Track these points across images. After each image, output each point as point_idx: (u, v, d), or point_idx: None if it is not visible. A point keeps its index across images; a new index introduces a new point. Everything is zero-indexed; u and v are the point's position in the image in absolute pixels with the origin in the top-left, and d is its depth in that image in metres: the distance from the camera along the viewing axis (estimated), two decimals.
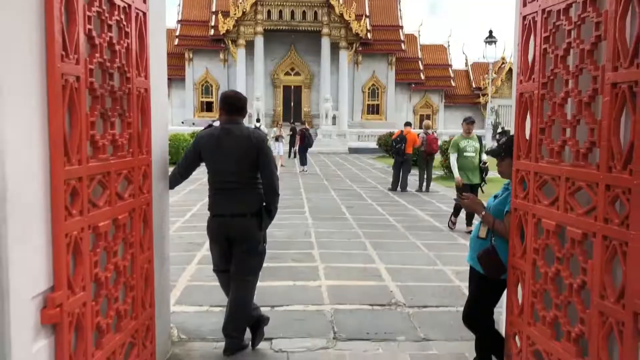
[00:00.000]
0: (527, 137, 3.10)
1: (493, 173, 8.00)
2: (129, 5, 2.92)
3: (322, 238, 7.77)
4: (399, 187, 13.77)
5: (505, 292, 3.36)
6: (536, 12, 2.97)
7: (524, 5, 3.10)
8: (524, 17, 3.12)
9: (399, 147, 13.53)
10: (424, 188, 14.06)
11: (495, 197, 3.62)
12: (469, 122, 9.31)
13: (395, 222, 9.19)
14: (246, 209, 3.85)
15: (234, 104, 3.91)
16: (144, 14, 3.14)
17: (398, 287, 5.53)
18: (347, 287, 5.51)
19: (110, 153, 2.76)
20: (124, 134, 2.90)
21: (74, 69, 2.31)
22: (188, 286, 5.54)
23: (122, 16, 2.83)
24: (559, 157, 2.78)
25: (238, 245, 3.90)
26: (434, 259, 6.70)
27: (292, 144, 26.06)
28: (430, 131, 14.50)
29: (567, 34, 2.70)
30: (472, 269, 3.57)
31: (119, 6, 2.77)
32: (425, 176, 14.08)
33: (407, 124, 14.16)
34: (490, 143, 31.70)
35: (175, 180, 4.08)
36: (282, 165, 20.51)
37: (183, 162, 4.05)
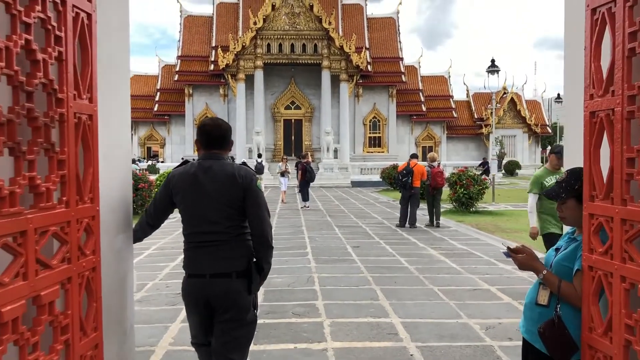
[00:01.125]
0: (604, 170, 2.30)
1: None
2: (63, 1, 2.15)
3: (327, 285, 6.89)
4: (407, 223, 12.92)
5: None
6: (613, 0, 2.20)
7: None
8: (594, 10, 2.34)
9: (406, 181, 12.72)
10: (434, 223, 13.22)
11: (557, 249, 2.77)
12: (558, 154, 6.33)
13: (408, 264, 8.32)
14: (231, 267, 3.02)
15: (210, 134, 3.12)
16: (88, 15, 2.36)
17: (419, 348, 4.64)
18: (359, 350, 4.62)
19: (28, 204, 1.95)
20: (51, 176, 2.09)
21: None
22: (169, 352, 4.66)
23: (50, 15, 2.06)
24: None
25: (221, 314, 3.05)
26: (456, 310, 5.82)
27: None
28: (435, 164, 13.75)
29: None
30: (528, 345, 2.69)
31: None
32: (434, 211, 13.27)
33: (413, 155, 13.39)
34: (495, 173, 30.89)
35: (143, 230, 3.26)
36: (283, 202, 19.69)
37: (152, 207, 3.24)
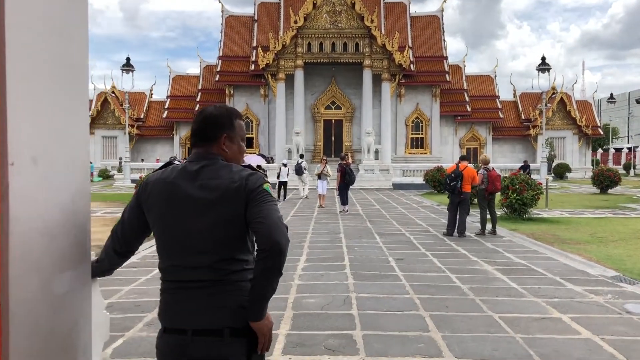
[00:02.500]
0: None
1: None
2: None
3: (367, 309, 5.91)
4: (455, 231, 11.81)
5: None
6: None
7: None
8: None
9: (454, 185, 11.61)
10: (487, 231, 12.08)
11: None
12: None
13: (460, 282, 7.25)
14: (222, 320, 2.06)
15: (199, 127, 2.21)
16: None
17: None
18: None
19: None
20: None
21: None
22: None
23: None
24: None
25: None
26: (524, 348, 4.75)
27: None
28: (490, 166, 12.60)
29: None
30: None
31: None
32: (488, 217, 12.15)
33: (463, 157, 12.26)
34: (542, 177, 29.30)
35: (109, 260, 2.30)
36: (321, 206, 18.66)
37: (119, 228, 2.28)
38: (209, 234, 2.06)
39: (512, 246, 10.59)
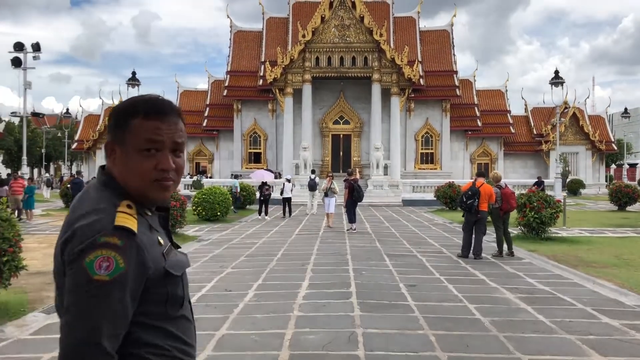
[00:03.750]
0: None
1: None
2: None
3: (375, 349, 5.12)
4: (471, 252, 11.00)
5: None
6: None
7: None
8: None
9: (471, 203, 10.81)
10: (504, 252, 11.27)
11: None
12: None
13: (480, 314, 6.45)
14: None
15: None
16: None
17: None
18: None
19: None
20: None
21: None
22: None
23: None
24: None
25: None
26: None
27: None
28: (502, 183, 11.81)
29: None
30: None
31: None
32: (504, 237, 11.36)
33: (480, 174, 11.48)
34: (559, 194, 28.38)
35: None
36: (329, 226, 17.34)
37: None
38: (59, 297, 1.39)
39: (533, 270, 9.77)
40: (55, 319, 6.06)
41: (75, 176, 20.36)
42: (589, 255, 11.68)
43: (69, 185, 21.50)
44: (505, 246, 11.44)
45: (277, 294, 7.44)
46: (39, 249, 12.35)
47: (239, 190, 24.55)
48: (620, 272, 9.64)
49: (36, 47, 23.04)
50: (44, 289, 8.01)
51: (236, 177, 39.18)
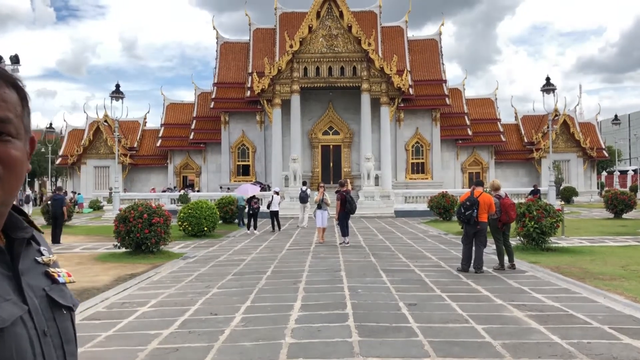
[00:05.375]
0: None
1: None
2: None
3: None
4: (471, 266, 10.44)
5: None
6: None
7: None
8: None
9: (470, 214, 10.26)
10: (506, 265, 10.72)
11: None
12: None
13: (490, 337, 5.86)
14: None
15: None
16: None
17: None
18: None
19: None
20: None
21: None
22: None
23: None
24: None
25: None
26: None
27: None
28: (502, 192, 11.27)
29: None
30: None
31: None
32: (505, 250, 10.82)
33: (478, 183, 10.94)
34: (553, 202, 27.91)
35: None
36: (320, 242, 16.11)
37: None
38: None
39: (538, 284, 9.21)
40: None
41: (56, 192, 19.58)
42: (593, 266, 11.16)
43: (48, 202, 20.78)
44: (506, 258, 10.90)
45: (267, 318, 6.82)
46: None
47: (244, 205, 22.59)
48: (630, 284, 9.12)
49: (15, 60, 22.36)
50: None
51: (228, 189, 38.47)
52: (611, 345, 5.57)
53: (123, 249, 13.88)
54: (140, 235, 13.39)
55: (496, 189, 11.27)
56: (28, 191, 55.46)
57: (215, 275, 10.49)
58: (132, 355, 5.28)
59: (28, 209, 36.37)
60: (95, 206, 41.96)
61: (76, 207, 37.25)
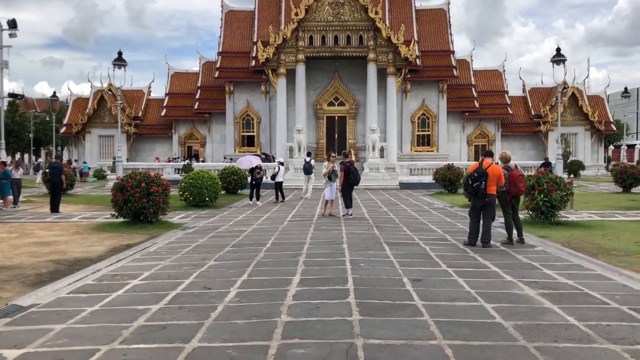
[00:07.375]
0: None
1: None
2: None
3: None
4: (479, 240, 10.04)
5: None
6: None
7: None
8: None
9: (478, 186, 9.82)
10: (514, 239, 10.32)
11: None
12: None
13: (500, 317, 5.47)
14: None
15: None
16: None
17: None
18: None
19: None
20: None
21: None
22: None
23: None
24: None
25: None
26: None
27: None
28: (512, 164, 10.77)
29: None
30: None
31: None
32: (513, 224, 10.40)
33: (487, 154, 10.45)
34: (561, 175, 27.38)
35: None
36: (330, 215, 15.46)
37: None
38: None
39: (549, 259, 8.81)
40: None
41: (54, 160, 19.22)
42: (606, 241, 10.74)
43: (46, 170, 20.46)
44: (515, 232, 10.49)
45: (263, 293, 6.45)
46: (6, 240, 11.33)
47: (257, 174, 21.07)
48: None
49: (12, 24, 21.78)
50: (2, 288, 7.01)
51: (231, 159, 38.04)
52: (632, 329, 5.17)
53: (121, 219, 13.55)
54: (138, 204, 13.04)
55: (506, 160, 10.78)
56: (40, 159, 55.14)
57: (214, 246, 10.14)
58: (115, 333, 4.92)
59: (38, 177, 36.16)
60: (100, 175, 41.74)
61: (78, 175, 37.00)
